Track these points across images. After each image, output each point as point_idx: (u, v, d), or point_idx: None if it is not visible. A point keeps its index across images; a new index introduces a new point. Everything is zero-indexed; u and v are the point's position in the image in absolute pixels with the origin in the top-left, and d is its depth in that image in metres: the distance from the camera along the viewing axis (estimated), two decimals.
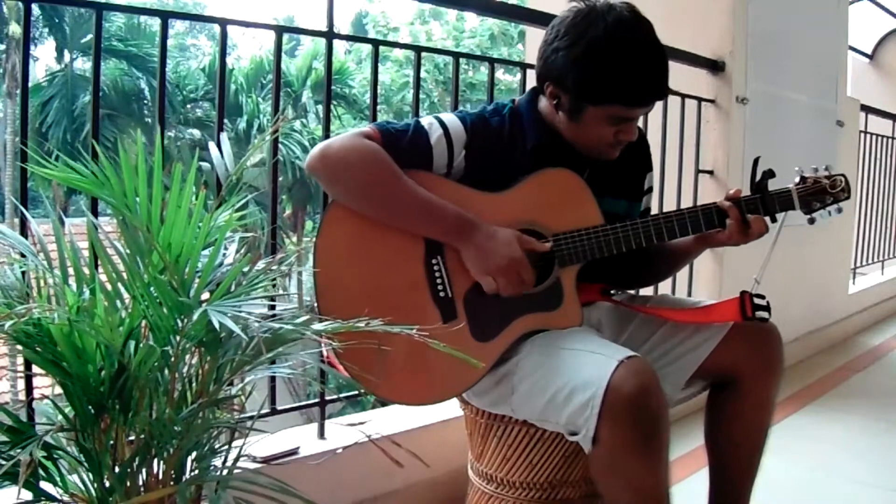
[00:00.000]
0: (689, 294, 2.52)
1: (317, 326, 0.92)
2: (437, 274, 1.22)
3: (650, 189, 1.48)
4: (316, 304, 1.19)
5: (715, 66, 2.61)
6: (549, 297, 1.26)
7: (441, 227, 1.20)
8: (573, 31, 1.19)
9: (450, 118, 1.26)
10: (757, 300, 1.29)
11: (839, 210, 1.31)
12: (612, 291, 1.44)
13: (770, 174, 1.29)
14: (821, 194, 1.29)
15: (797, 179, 1.30)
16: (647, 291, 2.12)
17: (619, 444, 1.06)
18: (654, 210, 1.58)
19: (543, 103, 1.31)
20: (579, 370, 1.12)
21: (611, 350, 1.14)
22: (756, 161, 1.32)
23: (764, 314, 1.28)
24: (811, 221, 1.31)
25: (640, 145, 1.45)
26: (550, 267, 1.26)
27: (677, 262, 1.46)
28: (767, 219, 1.29)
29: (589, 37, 1.17)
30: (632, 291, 1.59)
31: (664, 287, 2.37)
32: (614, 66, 1.17)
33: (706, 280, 2.60)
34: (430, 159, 1.23)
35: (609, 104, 1.20)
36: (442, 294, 1.23)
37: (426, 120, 1.25)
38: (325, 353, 1.15)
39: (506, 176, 1.26)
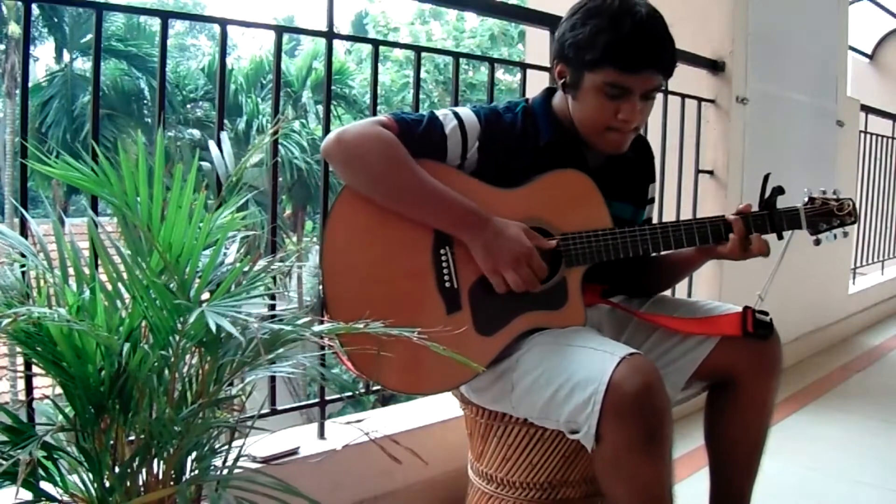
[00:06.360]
0: (689, 294, 2.52)
1: (317, 328, 0.92)
2: (444, 264, 1.23)
3: (652, 199, 1.48)
4: (322, 288, 1.20)
5: (715, 66, 2.61)
6: (554, 296, 1.26)
7: (450, 220, 1.21)
8: (579, 6, 1.23)
9: (464, 111, 1.27)
10: (759, 316, 1.28)
11: (845, 234, 1.30)
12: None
13: (780, 191, 1.29)
14: (828, 216, 1.29)
15: (805, 199, 1.30)
16: None
17: (621, 441, 1.06)
18: (654, 214, 1.59)
19: (558, 100, 1.32)
20: (580, 367, 1.12)
21: (612, 347, 1.14)
22: (766, 177, 1.31)
23: (765, 331, 1.28)
24: (817, 243, 1.30)
25: (644, 154, 1.45)
26: (557, 266, 1.27)
27: (680, 273, 1.46)
28: (773, 236, 1.29)
29: (589, 5, 1.21)
30: None
31: None
32: (606, 25, 1.18)
33: (706, 279, 2.60)
34: (444, 149, 1.23)
35: (601, 67, 1.20)
36: (448, 284, 1.23)
37: (441, 112, 1.27)
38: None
39: (517, 172, 1.27)
